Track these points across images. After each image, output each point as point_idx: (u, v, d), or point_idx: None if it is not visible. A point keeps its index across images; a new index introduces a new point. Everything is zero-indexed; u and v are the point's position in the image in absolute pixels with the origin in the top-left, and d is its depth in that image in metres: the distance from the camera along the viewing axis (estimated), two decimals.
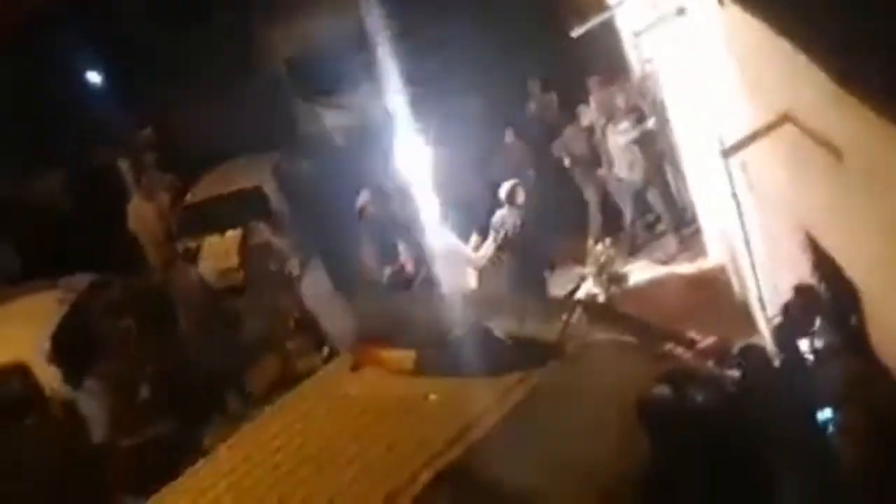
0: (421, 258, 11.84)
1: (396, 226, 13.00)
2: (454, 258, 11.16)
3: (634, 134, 11.93)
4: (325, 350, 11.51)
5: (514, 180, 11.68)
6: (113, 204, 15.69)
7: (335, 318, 11.51)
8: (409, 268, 12.49)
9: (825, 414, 6.46)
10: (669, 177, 12.38)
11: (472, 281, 11.18)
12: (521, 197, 11.49)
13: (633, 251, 12.17)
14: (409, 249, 12.35)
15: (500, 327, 7.25)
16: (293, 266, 12.23)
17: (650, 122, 11.83)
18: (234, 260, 13.45)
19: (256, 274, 12.33)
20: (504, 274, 11.59)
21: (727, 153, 7.83)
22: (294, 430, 6.87)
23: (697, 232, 11.67)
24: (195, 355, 11.78)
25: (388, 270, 12.69)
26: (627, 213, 12.40)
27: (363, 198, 13.72)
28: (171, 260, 13.98)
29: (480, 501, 5.82)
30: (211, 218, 14.55)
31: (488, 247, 11.26)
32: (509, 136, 13.65)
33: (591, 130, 12.85)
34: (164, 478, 9.20)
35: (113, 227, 15.20)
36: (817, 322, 7.59)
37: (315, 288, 12.02)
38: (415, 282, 12.17)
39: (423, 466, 5.91)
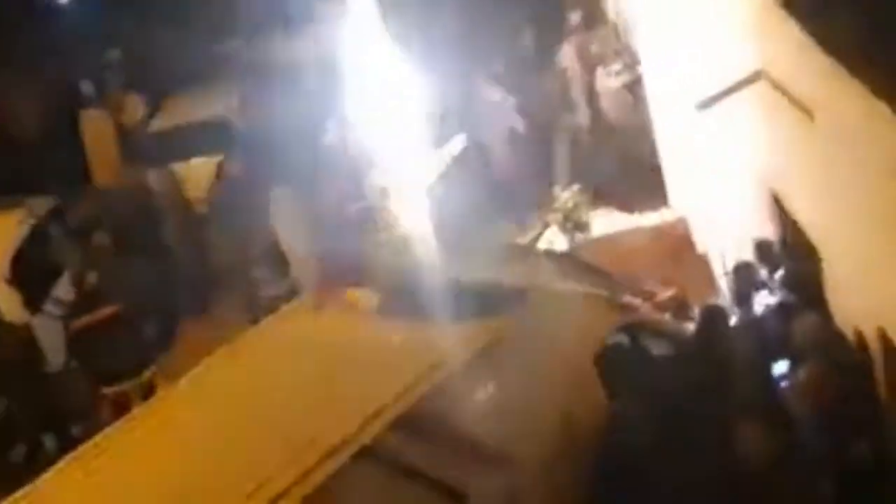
0: (383, 195, 11.80)
1: (362, 160, 12.92)
2: (412, 188, 11.13)
3: (627, 77, 11.82)
4: (289, 280, 11.47)
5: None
6: (73, 125, 15.47)
7: (300, 251, 11.48)
8: (374, 205, 12.45)
9: (781, 368, 6.58)
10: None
11: (427, 211, 11.13)
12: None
13: (601, 198, 12.12)
14: (374, 186, 12.29)
15: (464, 272, 7.25)
16: (263, 196, 12.14)
17: (639, 67, 11.69)
18: (202, 190, 13.31)
19: (225, 205, 12.23)
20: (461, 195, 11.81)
21: (700, 107, 7.85)
22: (253, 369, 6.87)
23: (663, 183, 11.69)
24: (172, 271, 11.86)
25: (354, 207, 12.61)
26: (605, 159, 12.30)
27: (331, 130, 13.59)
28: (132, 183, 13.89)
29: (439, 445, 5.87)
30: (176, 146, 14.34)
31: (442, 160, 11.23)
32: (476, 78, 13.50)
33: (564, 73, 12.75)
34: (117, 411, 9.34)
35: (77, 148, 15.02)
36: (774, 278, 7.72)
37: (283, 218, 11.95)
38: (377, 219, 12.13)
39: (384, 409, 5.93)
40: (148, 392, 9.82)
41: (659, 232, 10.82)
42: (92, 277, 11.17)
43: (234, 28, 17.64)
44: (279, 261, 11.62)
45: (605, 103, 12.17)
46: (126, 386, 10.16)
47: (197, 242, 12.37)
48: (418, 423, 5.97)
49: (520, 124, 12.64)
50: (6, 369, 10.26)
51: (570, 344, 6.74)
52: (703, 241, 10.12)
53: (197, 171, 13.60)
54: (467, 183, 12.52)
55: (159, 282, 11.70)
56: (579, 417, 6.32)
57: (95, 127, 15.37)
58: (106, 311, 10.61)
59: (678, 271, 9.38)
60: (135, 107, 16.09)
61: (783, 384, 6.45)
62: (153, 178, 13.22)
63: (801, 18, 6.18)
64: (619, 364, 6.75)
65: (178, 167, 13.44)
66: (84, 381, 10.41)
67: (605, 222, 11.45)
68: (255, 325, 8.81)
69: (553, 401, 6.35)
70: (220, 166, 13.31)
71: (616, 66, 11.93)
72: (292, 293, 10.14)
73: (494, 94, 12.90)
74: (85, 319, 10.58)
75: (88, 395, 10.30)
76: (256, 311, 10.53)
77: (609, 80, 12.01)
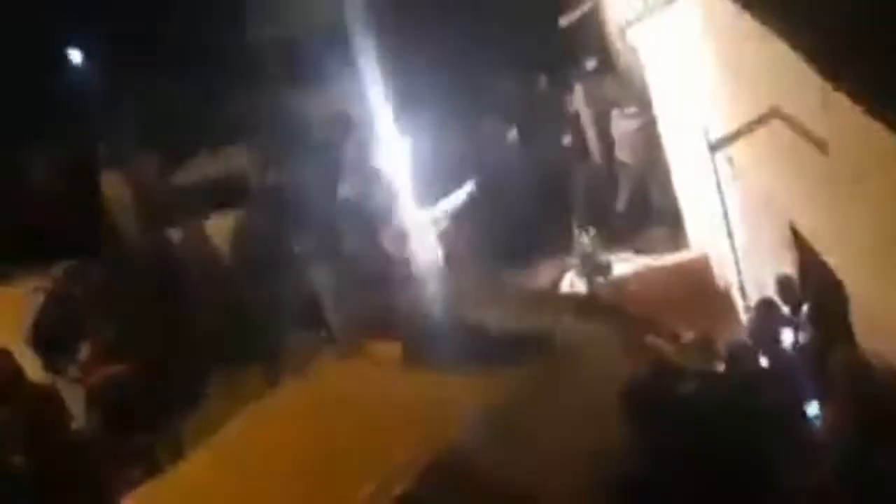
0: (400, 247, 11.83)
1: (376, 216, 13.04)
2: (424, 234, 11.18)
3: (641, 119, 11.87)
4: (323, 334, 11.46)
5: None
6: (91, 188, 15.62)
7: (333, 305, 11.51)
8: (393, 258, 12.53)
9: (813, 409, 6.51)
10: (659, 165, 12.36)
11: (439, 257, 11.16)
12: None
13: (619, 241, 12.15)
14: (390, 240, 12.35)
15: (487, 320, 7.26)
16: (285, 251, 12.16)
17: (654, 109, 11.75)
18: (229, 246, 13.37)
19: (249, 261, 12.24)
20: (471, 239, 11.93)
21: (715, 147, 7.86)
22: (280, 424, 6.86)
23: (681, 222, 11.70)
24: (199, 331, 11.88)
25: (371, 262, 12.65)
26: (622, 202, 12.37)
27: (344, 189, 13.72)
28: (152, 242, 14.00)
29: (469, 497, 5.84)
30: (195, 203, 14.44)
31: (453, 202, 11.28)
32: (489, 125, 13.61)
33: (577, 117, 12.84)
34: (146, 470, 9.36)
35: (92, 211, 15.16)
36: (798, 315, 7.67)
37: (320, 274, 12.00)
38: (397, 272, 12.18)
39: (414, 460, 5.91)
40: (176, 450, 9.84)
41: (679, 271, 10.79)
42: (109, 335, 11.26)
43: (252, 86, 17.90)
44: (315, 318, 11.59)
45: (621, 145, 12.22)
46: (147, 441, 10.20)
47: (225, 299, 12.36)
48: (448, 472, 5.94)
49: (534, 168, 12.73)
50: (29, 429, 10.26)
51: (598, 387, 6.71)
52: (725, 279, 10.09)
53: (225, 226, 13.66)
54: (480, 228, 12.61)
55: (181, 339, 11.73)
56: (608, 461, 6.26)
57: (114, 188, 15.54)
58: (120, 367, 10.70)
59: (701, 310, 9.34)
60: (152, 166, 16.27)
61: (816, 421, 6.38)
62: (175, 235, 13.29)
63: (815, 55, 6.21)
64: (646, 405, 6.69)
65: (207, 223, 13.49)
66: (106, 440, 10.45)
67: (625, 264, 11.43)
68: (276, 383, 8.86)
69: (581, 445, 6.31)
70: (241, 222, 13.39)
71: (630, 109, 11.99)
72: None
73: (510, 137, 13.01)
74: (99, 375, 10.65)
75: (112, 453, 10.33)
76: (278, 370, 10.57)
77: (624, 123, 12.06)
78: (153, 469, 9.04)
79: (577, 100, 12.91)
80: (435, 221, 11.36)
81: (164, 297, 12.18)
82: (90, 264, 12.95)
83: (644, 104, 11.84)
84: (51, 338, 11.22)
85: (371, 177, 13.61)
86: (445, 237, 11.63)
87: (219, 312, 12.10)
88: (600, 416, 6.53)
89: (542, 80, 14.03)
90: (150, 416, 10.56)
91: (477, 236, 12.76)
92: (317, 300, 11.64)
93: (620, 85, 12.67)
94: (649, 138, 11.99)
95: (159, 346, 11.34)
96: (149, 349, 11.21)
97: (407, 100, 14.72)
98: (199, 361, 11.90)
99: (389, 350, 7.04)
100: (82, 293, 12.21)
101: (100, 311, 12.00)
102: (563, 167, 12.96)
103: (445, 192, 11.95)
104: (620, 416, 6.50)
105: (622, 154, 12.28)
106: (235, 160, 15.83)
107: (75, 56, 19.35)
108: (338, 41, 16.42)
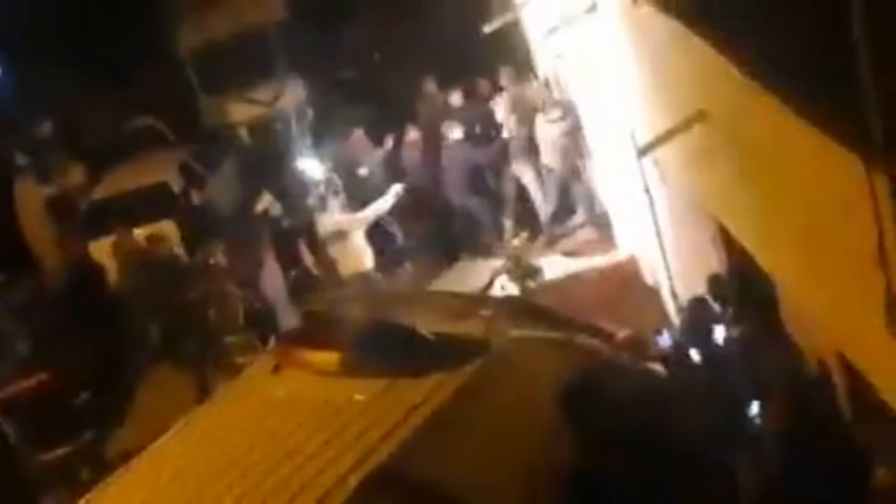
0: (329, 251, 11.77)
1: (298, 227, 12.99)
2: (353, 239, 11.13)
3: (566, 124, 11.94)
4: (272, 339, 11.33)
5: None
6: (7, 199, 15.32)
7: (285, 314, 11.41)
8: (313, 270, 12.49)
9: (750, 404, 6.61)
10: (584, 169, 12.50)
11: (367, 260, 11.14)
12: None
13: (548, 244, 12.26)
14: (318, 245, 12.28)
15: (420, 325, 7.23)
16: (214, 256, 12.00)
17: (579, 114, 11.84)
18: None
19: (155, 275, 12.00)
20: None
21: (642, 152, 7.93)
22: (217, 435, 6.75)
23: (608, 225, 11.83)
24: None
25: (292, 274, 12.58)
26: (550, 205, 12.46)
27: (265, 201, 13.67)
28: (74, 254, 13.77)
29: (410, 502, 5.81)
30: (117, 215, 14.20)
31: (385, 201, 11.27)
32: (413, 134, 13.61)
33: (503, 123, 12.90)
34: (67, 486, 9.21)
35: (10, 223, 14.89)
36: (728, 311, 7.78)
37: (272, 280, 11.86)
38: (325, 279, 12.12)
39: (352, 469, 5.86)
40: (98, 464, 9.75)
41: (610, 273, 10.91)
42: (23, 348, 11.12)
43: (176, 94, 17.72)
44: (265, 324, 11.47)
45: (546, 150, 12.30)
46: (66, 456, 10.10)
47: (155, 305, 12.17)
48: (388, 480, 5.90)
49: (462, 173, 12.78)
50: None
51: (535, 391, 6.72)
52: (655, 280, 10.21)
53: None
54: (409, 231, 12.64)
55: (100, 352, 11.55)
56: (548, 465, 6.28)
57: (27, 197, 15.29)
58: (31, 382, 10.61)
59: (632, 311, 9.45)
60: (75, 176, 16.03)
61: (753, 418, 6.48)
62: (103, 245, 13.12)
63: (739, 57, 6.30)
64: (583, 407, 6.72)
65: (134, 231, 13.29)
66: (25, 452, 10.32)
67: (556, 267, 11.53)
68: (209, 391, 8.74)
69: (521, 450, 6.31)
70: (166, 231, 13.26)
71: (554, 114, 12.07)
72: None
73: (440, 142, 13.04)
74: (10, 391, 10.55)
75: (32, 465, 10.19)
76: (210, 377, 10.47)
77: (549, 128, 12.14)
78: (74, 485, 8.94)
79: (503, 105, 12.96)
80: (363, 226, 11.31)
81: (84, 309, 11.99)
82: (11, 279, 12.76)
83: (568, 109, 11.94)
84: None
85: (296, 182, 13.55)
86: (374, 241, 11.61)
87: (148, 319, 11.96)
88: (538, 420, 6.55)
89: (466, 86, 14.10)
90: (66, 430, 10.45)
91: (406, 240, 12.81)
92: (269, 305, 11.57)
93: (544, 90, 12.77)
94: (574, 143, 12.11)
95: (78, 358, 11.21)
96: (66, 362, 11.08)
97: (329, 107, 14.72)
98: (124, 371, 11.76)
99: (326, 359, 6.97)
100: (4, 308, 12.04)
101: (14, 326, 11.83)
102: (492, 172, 13.02)
103: (373, 198, 11.94)
104: (559, 417, 6.54)
105: (548, 159, 12.36)
106: (158, 170, 15.61)
107: None
108: (261, 48, 16.38)
